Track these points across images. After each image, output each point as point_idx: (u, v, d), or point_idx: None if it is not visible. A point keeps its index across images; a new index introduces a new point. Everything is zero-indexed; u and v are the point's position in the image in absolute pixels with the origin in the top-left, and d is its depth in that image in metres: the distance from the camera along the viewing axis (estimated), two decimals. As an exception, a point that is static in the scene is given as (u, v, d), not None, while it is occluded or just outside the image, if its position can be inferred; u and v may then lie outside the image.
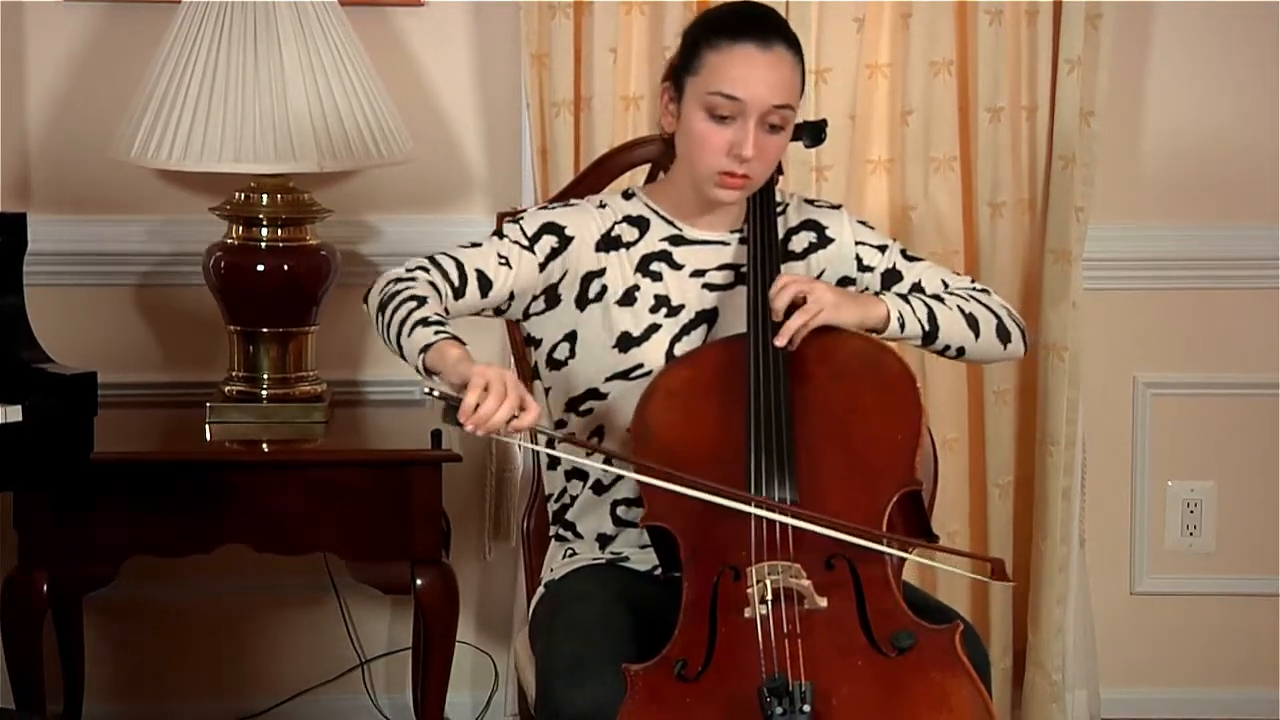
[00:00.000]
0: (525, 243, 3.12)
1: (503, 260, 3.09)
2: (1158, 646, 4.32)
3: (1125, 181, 4.20)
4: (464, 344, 2.90)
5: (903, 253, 3.23)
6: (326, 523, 3.67)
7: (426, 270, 3.04)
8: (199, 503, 3.64)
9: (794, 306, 3.03)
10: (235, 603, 4.18)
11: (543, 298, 3.15)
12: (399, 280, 3.01)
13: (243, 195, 3.89)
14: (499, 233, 3.13)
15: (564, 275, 3.14)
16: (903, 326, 3.10)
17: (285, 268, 3.86)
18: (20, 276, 3.47)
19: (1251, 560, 4.31)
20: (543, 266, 3.12)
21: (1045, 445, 4.12)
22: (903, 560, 2.97)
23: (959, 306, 3.16)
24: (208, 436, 3.83)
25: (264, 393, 3.89)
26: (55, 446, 3.31)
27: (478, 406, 2.78)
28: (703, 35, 3.07)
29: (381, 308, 2.98)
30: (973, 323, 3.16)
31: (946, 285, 3.20)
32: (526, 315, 3.17)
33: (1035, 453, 4.15)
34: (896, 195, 4.09)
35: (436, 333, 2.91)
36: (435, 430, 3.65)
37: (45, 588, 3.63)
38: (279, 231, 3.87)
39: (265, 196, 3.87)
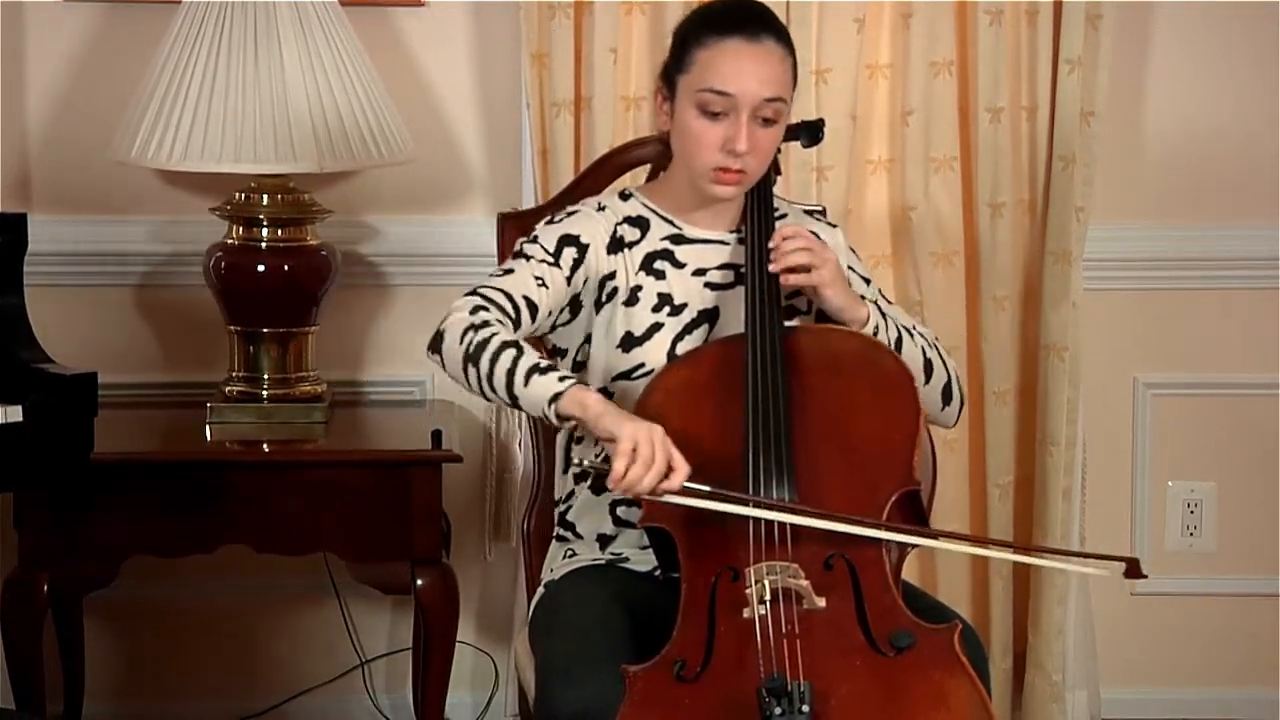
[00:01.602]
0: (551, 260, 3.11)
1: (539, 281, 3.08)
2: (1158, 647, 4.32)
3: (1125, 182, 4.20)
4: (589, 385, 2.93)
5: (880, 292, 3.27)
6: (327, 523, 3.67)
7: (486, 308, 3.01)
8: (199, 503, 3.64)
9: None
10: (235, 603, 4.18)
11: (568, 308, 3.15)
12: (475, 328, 2.97)
13: (243, 195, 3.89)
14: (522, 254, 3.12)
15: (585, 282, 3.14)
16: (874, 336, 3.13)
17: (285, 268, 3.86)
18: (21, 277, 3.48)
19: (1252, 561, 4.31)
20: (569, 279, 3.12)
21: (1045, 446, 4.12)
22: (901, 560, 2.98)
23: (923, 349, 3.21)
24: (208, 437, 3.83)
25: (264, 393, 3.89)
26: (56, 447, 3.31)
27: (626, 472, 2.80)
28: (691, 33, 3.08)
29: (472, 360, 2.95)
30: (928, 369, 3.20)
31: (911, 332, 3.23)
32: (553, 328, 3.17)
33: (1035, 453, 4.15)
34: (897, 196, 4.09)
35: (561, 379, 2.90)
36: (435, 430, 3.65)
37: (45, 588, 3.63)
38: (279, 232, 3.87)
39: (265, 197, 3.87)
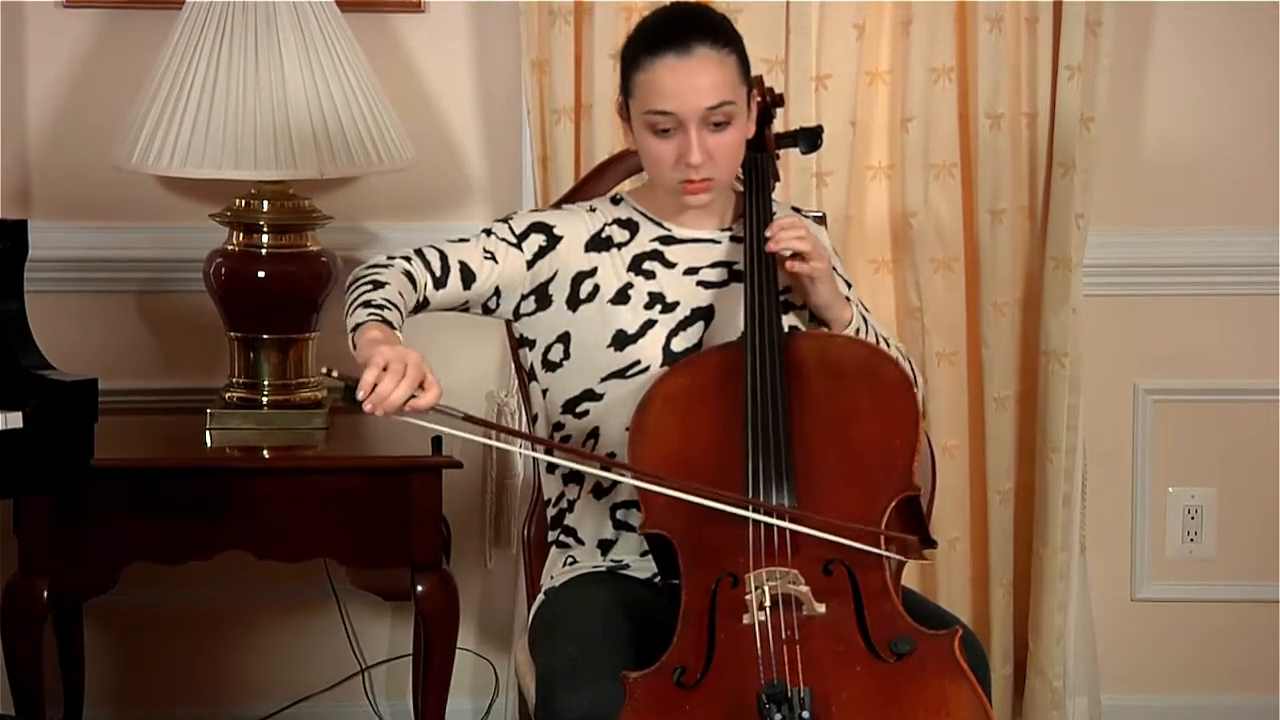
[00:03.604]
0: (513, 240, 3.14)
1: (488, 255, 3.12)
2: (1158, 653, 4.31)
3: (1125, 187, 4.20)
4: (394, 328, 2.90)
5: (860, 301, 3.27)
6: (327, 529, 3.67)
7: (409, 260, 3.07)
8: (199, 509, 3.64)
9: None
10: (235, 609, 4.18)
11: (533, 297, 3.16)
12: (374, 265, 3.05)
13: (243, 202, 3.89)
14: (487, 230, 3.16)
15: (554, 275, 3.15)
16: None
17: (286, 274, 3.86)
18: (21, 283, 3.48)
19: (1252, 566, 4.31)
20: (530, 264, 3.14)
21: (1046, 452, 4.12)
22: (902, 565, 2.98)
23: (897, 353, 3.21)
24: (208, 443, 3.83)
25: (264, 399, 3.89)
26: (56, 453, 3.31)
27: (375, 386, 2.79)
28: (630, 56, 3.09)
29: (347, 289, 3.02)
30: None
31: (887, 341, 3.24)
32: (518, 315, 3.18)
33: (1036, 459, 4.15)
34: (897, 202, 4.09)
35: (370, 314, 2.92)
36: (436, 437, 3.65)
37: (45, 594, 3.63)
38: (279, 238, 3.88)
39: (266, 203, 3.88)
